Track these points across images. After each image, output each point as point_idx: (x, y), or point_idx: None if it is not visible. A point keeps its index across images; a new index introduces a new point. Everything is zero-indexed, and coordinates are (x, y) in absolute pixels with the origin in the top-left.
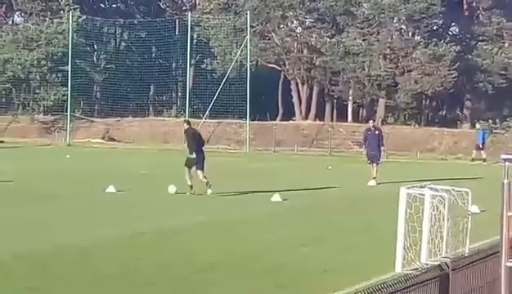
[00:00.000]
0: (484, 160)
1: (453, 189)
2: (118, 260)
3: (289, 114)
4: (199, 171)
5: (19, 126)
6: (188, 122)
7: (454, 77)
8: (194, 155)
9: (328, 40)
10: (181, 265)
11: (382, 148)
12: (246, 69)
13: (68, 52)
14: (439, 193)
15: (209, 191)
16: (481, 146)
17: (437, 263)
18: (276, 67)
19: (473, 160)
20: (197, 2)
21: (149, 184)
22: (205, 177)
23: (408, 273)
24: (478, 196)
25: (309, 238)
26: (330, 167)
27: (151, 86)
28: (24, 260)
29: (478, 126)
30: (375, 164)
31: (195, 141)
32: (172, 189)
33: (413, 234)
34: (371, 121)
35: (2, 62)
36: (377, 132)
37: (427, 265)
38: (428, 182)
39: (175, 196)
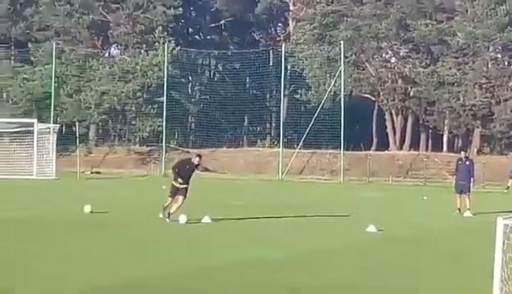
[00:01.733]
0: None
1: None
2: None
3: (383, 144)
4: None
5: (115, 157)
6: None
7: None
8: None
9: (422, 70)
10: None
11: (472, 179)
12: (340, 100)
13: (163, 84)
14: None
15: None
16: None
17: None
18: (370, 97)
19: (507, 188)
20: (291, 33)
21: (242, 214)
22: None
23: None
24: None
25: (405, 268)
26: (425, 198)
27: (245, 117)
28: (121, 288)
29: (511, 154)
30: (465, 195)
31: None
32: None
33: (511, 266)
34: (463, 152)
35: (99, 94)
36: (468, 163)
37: None
38: None
39: (271, 226)
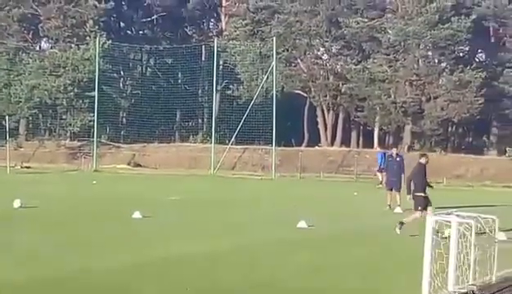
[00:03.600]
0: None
1: (480, 217)
2: (135, 288)
3: (314, 140)
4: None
5: (45, 152)
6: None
7: (480, 104)
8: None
9: (353, 67)
10: (201, 292)
11: (403, 175)
12: (272, 96)
13: (94, 78)
14: (466, 221)
15: None
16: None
17: (464, 290)
18: (302, 93)
19: (380, 183)
20: (223, 29)
21: (175, 210)
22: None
23: None
24: (505, 223)
25: (335, 264)
26: (356, 194)
27: (177, 112)
28: (41, 284)
29: (378, 149)
30: (396, 192)
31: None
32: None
33: (440, 261)
34: (394, 149)
35: (29, 88)
36: (398, 159)
37: (454, 292)
38: (455, 209)
39: (199, 221)
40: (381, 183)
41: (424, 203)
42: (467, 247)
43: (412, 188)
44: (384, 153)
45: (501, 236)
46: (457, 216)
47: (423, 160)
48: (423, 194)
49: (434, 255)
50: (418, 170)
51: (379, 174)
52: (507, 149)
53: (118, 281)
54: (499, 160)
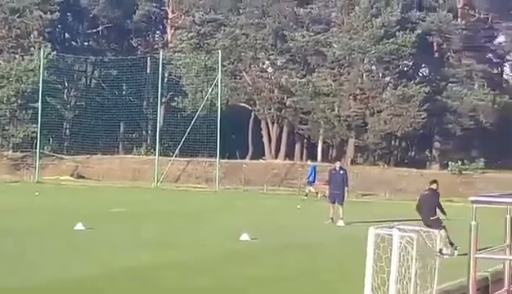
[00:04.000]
0: (317, 193)
1: (422, 230)
2: None
3: (259, 153)
4: None
5: None
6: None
7: (423, 118)
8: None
9: (298, 80)
10: None
11: (346, 188)
12: (217, 108)
13: (38, 89)
14: (407, 234)
15: None
16: (312, 182)
17: None
18: (247, 106)
19: (306, 195)
20: (169, 41)
21: (118, 222)
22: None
23: None
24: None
25: (277, 278)
26: (299, 207)
27: (121, 124)
28: None
29: (309, 162)
30: (338, 205)
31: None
32: None
33: (381, 275)
34: (338, 162)
35: None
36: (342, 172)
37: None
38: (397, 223)
39: (142, 233)
40: (306, 195)
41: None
42: (408, 260)
43: (425, 215)
44: (315, 167)
45: (444, 250)
46: (399, 229)
47: (434, 186)
48: (436, 217)
49: (376, 268)
50: (430, 196)
51: (308, 187)
52: (449, 163)
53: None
54: (441, 174)
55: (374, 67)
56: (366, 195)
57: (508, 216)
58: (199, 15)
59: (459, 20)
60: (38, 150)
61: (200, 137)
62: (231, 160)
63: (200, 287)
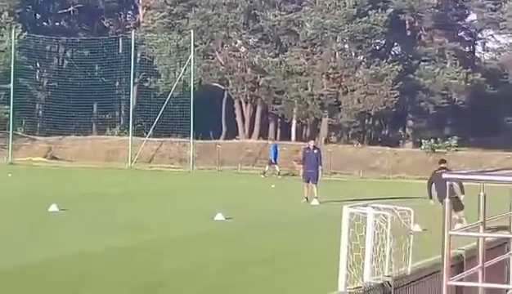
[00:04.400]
0: (279, 173)
1: (395, 208)
2: (58, 284)
3: (232, 133)
4: None
5: None
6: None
7: (396, 97)
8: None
9: (271, 59)
10: (117, 287)
11: (320, 167)
12: (190, 88)
13: (10, 70)
14: (382, 212)
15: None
16: (273, 161)
17: (379, 282)
18: (220, 86)
19: (264, 173)
20: (141, 21)
21: (91, 203)
22: None
23: (351, 291)
24: (420, 215)
25: (253, 258)
26: (273, 186)
27: (94, 105)
28: None
29: (270, 141)
30: (313, 184)
31: None
32: None
33: (356, 253)
34: (312, 141)
35: None
36: (315, 151)
37: (370, 283)
38: (371, 201)
39: (116, 214)
40: (264, 173)
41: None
42: (383, 238)
43: (436, 192)
44: (276, 146)
45: (416, 228)
46: (373, 207)
47: (444, 164)
48: (454, 195)
49: (350, 246)
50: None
51: (268, 167)
52: (422, 141)
53: (37, 275)
54: (414, 152)
55: (346, 46)
56: (339, 174)
57: (481, 194)
58: None
59: None
60: (10, 131)
61: (174, 117)
62: (204, 140)
63: (175, 268)
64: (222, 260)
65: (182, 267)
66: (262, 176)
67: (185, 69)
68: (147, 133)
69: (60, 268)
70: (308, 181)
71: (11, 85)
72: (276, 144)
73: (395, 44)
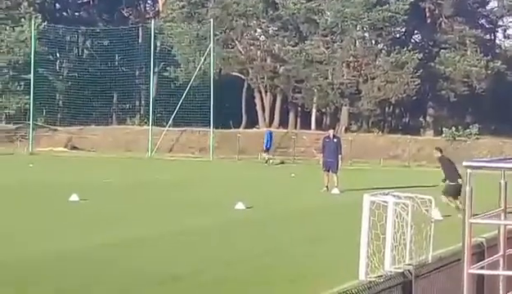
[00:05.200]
0: (269, 160)
1: (416, 197)
2: (79, 273)
3: (252, 122)
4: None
5: None
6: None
7: (417, 85)
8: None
9: (291, 48)
10: (139, 278)
11: (340, 156)
12: (209, 78)
13: (30, 60)
14: (402, 201)
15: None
16: (266, 148)
17: (400, 270)
18: (240, 75)
19: (266, 162)
20: (160, 10)
21: (111, 193)
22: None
23: (372, 280)
24: (441, 203)
25: (271, 247)
26: (293, 175)
27: (114, 95)
28: None
29: (264, 129)
30: (333, 173)
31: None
32: None
33: (376, 242)
34: (331, 130)
35: None
36: (335, 140)
37: (390, 272)
38: (392, 189)
39: (140, 205)
40: (266, 162)
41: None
42: (403, 227)
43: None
44: (271, 132)
45: (437, 215)
46: (394, 196)
47: (439, 153)
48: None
49: (371, 235)
50: (447, 163)
51: (264, 154)
52: (443, 129)
53: (55, 265)
54: (435, 140)
55: (367, 34)
56: (360, 162)
57: (502, 181)
58: None
59: None
60: (31, 122)
61: (194, 107)
62: (224, 130)
63: (195, 257)
64: (243, 249)
65: (203, 256)
66: (266, 164)
67: (204, 59)
68: (167, 123)
69: (80, 257)
70: (328, 170)
71: (32, 75)
72: (271, 131)
73: (415, 32)
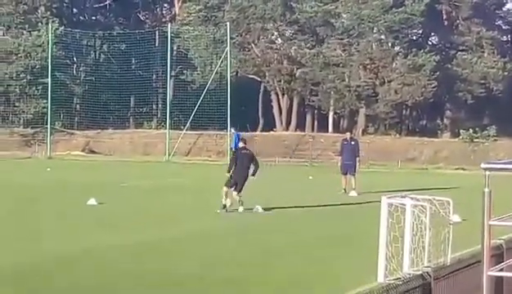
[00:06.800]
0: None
1: (434, 199)
2: (96, 274)
3: (269, 125)
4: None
5: None
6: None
7: (434, 87)
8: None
9: (308, 51)
10: (157, 278)
11: (358, 159)
12: (226, 81)
13: (47, 65)
14: (420, 203)
15: (241, 208)
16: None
17: (419, 272)
18: (257, 78)
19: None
20: (177, 14)
21: (129, 197)
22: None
23: (390, 283)
24: (459, 205)
25: (291, 249)
26: (311, 178)
27: (131, 98)
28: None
29: (232, 130)
30: (351, 175)
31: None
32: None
33: (395, 244)
34: (348, 133)
35: None
36: (353, 143)
37: (409, 274)
38: (410, 192)
39: (156, 207)
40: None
41: None
42: (422, 229)
43: None
44: (238, 135)
45: (455, 218)
46: (412, 198)
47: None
48: None
49: (390, 238)
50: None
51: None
52: (461, 131)
53: (76, 269)
54: (452, 142)
55: (383, 36)
56: (377, 165)
57: None
58: None
59: None
60: (48, 126)
61: (210, 110)
62: (241, 132)
63: (213, 258)
64: (262, 250)
65: (221, 256)
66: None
67: (221, 62)
68: (184, 126)
69: (97, 260)
70: (346, 173)
71: (49, 79)
72: (239, 133)
73: (432, 34)
